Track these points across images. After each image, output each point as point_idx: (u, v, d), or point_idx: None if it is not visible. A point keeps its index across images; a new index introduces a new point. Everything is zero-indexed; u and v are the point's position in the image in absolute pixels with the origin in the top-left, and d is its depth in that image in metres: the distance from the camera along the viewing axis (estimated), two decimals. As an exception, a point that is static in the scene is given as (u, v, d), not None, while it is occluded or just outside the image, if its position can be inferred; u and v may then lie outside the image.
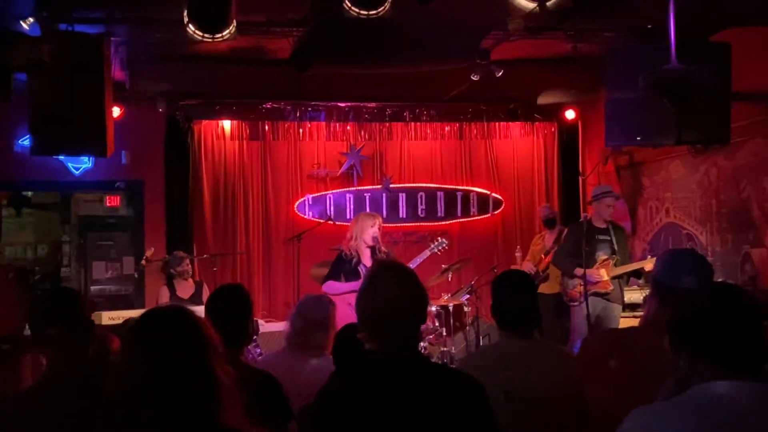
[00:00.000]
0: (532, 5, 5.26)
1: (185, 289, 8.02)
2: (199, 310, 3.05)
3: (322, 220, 8.98)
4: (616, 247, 7.09)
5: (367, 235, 6.67)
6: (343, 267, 6.74)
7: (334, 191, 9.77)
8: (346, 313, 6.45)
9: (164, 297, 7.97)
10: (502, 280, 3.39)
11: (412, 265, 6.41)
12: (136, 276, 9.12)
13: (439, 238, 7.56)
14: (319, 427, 2.36)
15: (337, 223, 8.96)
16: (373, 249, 6.71)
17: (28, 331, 7.78)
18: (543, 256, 8.53)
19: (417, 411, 2.24)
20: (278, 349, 4.68)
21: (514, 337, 3.18)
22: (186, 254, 8.35)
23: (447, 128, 10.07)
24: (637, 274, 7.22)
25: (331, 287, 6.70)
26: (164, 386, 1.91)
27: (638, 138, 6.44)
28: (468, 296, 8.17)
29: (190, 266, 8.24)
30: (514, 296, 3.23)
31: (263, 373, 3.37)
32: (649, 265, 6.98)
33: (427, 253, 7.17)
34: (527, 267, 8.53)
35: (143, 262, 8.28)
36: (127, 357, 2.02)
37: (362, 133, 9.84)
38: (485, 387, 2.37)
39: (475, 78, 7.77)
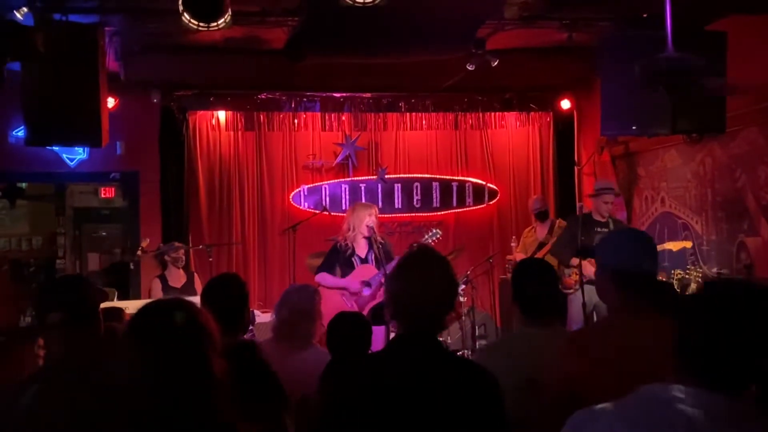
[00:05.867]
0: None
1: (177, 279, 8.05)
2: (192, 300, 3.05)
3: (317, 211, 8.96)
4: None
5: (363, 225, 6.71)
6: (337, 258, 6.79)
7: (329, 182, 9.76)
8: (338, 302, 6.49)
9: (156, 288, 7.99)
10: (525, 268, 3.40)
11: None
12: (131, 267, 9.10)
13: (433, 228, 7.59)
14: (333, 409, 2.36)
15: (332, 213, 8.94)
16: (369, 239, 6.73)
17: (23, 322, 7.79)
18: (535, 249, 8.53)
19: (428, 395, 2.25)
20: (265, 339, 4.68)
21: (536, 326, 3.18)
22: (181, 245, 8.36)
23: (442, 118, 10.05)
24: None
25: (324, 279, 6.74)
26: (158, 379, 1.88)
27: (634, 127, 6.45)
28: (463, 286, 8.17)
29: (184, 256, 8.25)
30: (538, 285, 3.23)
31: (260, 361, 3.37)
32: None
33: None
34: (519, 258, 8.53)
35: (139, 253, 8.28)
36: (123, 349, 1.99)
37: (357, 123, 9.82)
38: (508, 374, 2.38)
39: (470, 68, 7.76)
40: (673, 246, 7.29)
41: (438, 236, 7.43)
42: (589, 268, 7.01)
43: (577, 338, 2.77)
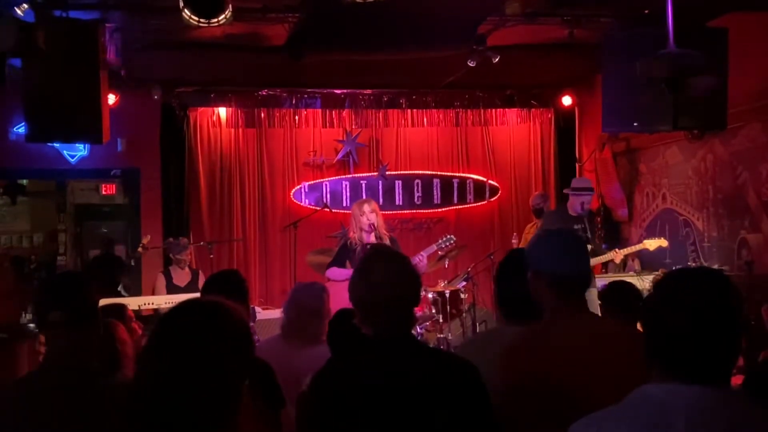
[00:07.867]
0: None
1: (182, 277, 8.01)
2: (231, 304, 3.02)
3: (318, 208, 8.97)
4: (590, 236, 7.15)
5: (362, 223, 6.71)
6: (348, 254, 6.79)
7: (330, 178, 9.76)
8: (347, 298, 6.48)
9: (161, 285, 7.95)
10: (505, 263, 3.36)
11: (417, 259, 6.47)
12: (132, 264, 9.10)
13: (446, 234, 7.60)
14: (313, 409, 2.37)
15: (333, 210, 8.95)
16: (375, 235, 6.74)
17: (24, 319, 7.77)
18: None
19: (411, 393, 2.25)
20: (272, 336, 4.68)
21: (513, 324, 3.14)
22: (188, 243, 8.32)
23: (443, 115, 10.05)
24: (605, 265, 7.43)
25: (334, 273, 6.75)
26: (178, 386, 1.74)
27: (635, 124, 6.43)
28: (465, 283, 8.18)
29: (191, 257, 8.23)
30: (516, 279, 3.19)
31: (256, 359, 3.36)
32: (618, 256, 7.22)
33: (433, 247, 7.19)
34: None
35: (140, 249, 8.27)
36: (148, 348, 1.83)
37: (358, 120, 9.82)
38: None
39: (471, 64, 7.75)
40: (650, 245, 7.33)
41: (452, 242, 7.42)
42: None
43: (519, 339, 2.73)
